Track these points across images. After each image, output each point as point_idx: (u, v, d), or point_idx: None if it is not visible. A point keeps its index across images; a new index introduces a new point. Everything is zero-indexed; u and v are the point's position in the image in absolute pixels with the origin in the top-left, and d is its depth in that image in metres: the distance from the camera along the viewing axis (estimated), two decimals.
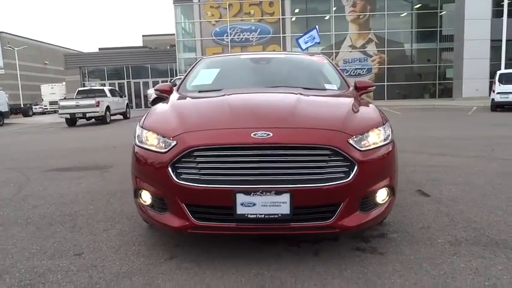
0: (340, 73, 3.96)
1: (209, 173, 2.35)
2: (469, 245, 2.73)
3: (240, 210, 2.32)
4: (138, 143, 2.69)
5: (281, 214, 2.32)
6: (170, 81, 17.50)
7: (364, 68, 30.49)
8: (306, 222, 2.39)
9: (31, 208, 4.00)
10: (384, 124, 2.66)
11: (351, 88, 3.65)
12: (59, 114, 19.39)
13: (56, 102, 20.21)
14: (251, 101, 3.04)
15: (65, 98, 22.15)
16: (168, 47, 36.70)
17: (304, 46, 20.27)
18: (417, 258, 2.53)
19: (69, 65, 36.54)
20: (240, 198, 2.31)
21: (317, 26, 20.86)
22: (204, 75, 3.98)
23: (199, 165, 2.36)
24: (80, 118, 18.81)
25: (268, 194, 2.29)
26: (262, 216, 2.32)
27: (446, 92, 29.76)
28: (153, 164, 2.50)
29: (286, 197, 2.29)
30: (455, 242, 2.79)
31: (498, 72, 17.95)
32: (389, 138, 2.65)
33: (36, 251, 2.84)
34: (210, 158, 2.36)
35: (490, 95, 18.13)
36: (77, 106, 18.62)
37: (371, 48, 30.54)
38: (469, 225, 3.10)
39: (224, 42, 30.69)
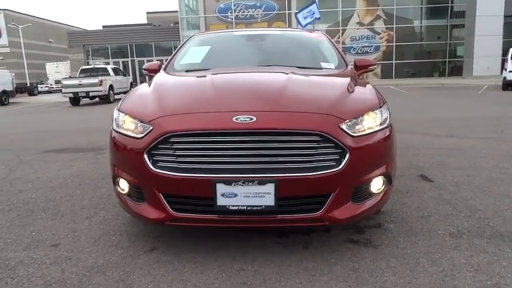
0: (338, 51, 3.70)
1: (187, 161, 2.16)
2: (472, 237, 2.53)
3: (221, 201, 2.14)
4: (115, 127, 2.49)
5: (265, 206, 2.13)
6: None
7: (372, 46, 29.77)
8: (292, 214, 2.20)
9: (16, 193, 3.86)
10: (380, 107, 2.44)
11: (349, 67, 3.40)
12: (63, 93, 19.28)
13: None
14: (237, 82, 2.81)
15: (70, 77, 21.93)
16: (171, 24, 36.07)
17: (303, 22, 19.60)
18: (414, 253, 2.34)
19: (73, 43, 36.18)
20: (221, 188, 2.12)
21: (317, 0, 20.03)
22: (193, 53, 3.74)
23: (177, 153, 2.17)
24: (83, 97, 18.68)
25: (250, 184, 2.10)
26: (245, 208, 2.14)
27: (457, 70, 29.05)
28: (128, 151, 2.31)
29: (270, 187, 2.10)
30: (457, 233, 2.59)
31: (511, 50, 17.35)
32: (387, 122, 2.42)
33: (12, 240, 2.70)
34: (187, 145, 2.16)
35: (501, 74, 17.59)
36: (80, 85, 18.47)
37: (379, 25, 29.73)
38: (473, 215, 2.90)
39: (228, 19, 30.05)
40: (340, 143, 2.13)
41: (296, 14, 20.55)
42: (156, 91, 2.63)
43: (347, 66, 3.43)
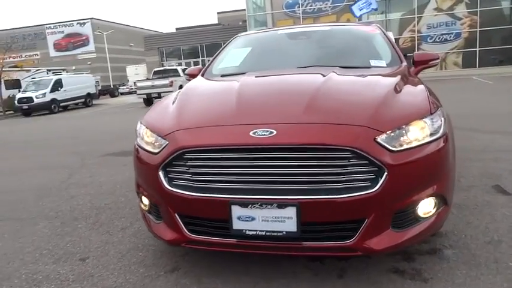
0: (393, 45, 3.26)
1: (201, 180, 1.97)
2: None
3: (237, 225, 1.91)
4: (137, 140, 2.38)
5: (286, 232, 1.87)
6: None
7: (452, 33, 27.32)
8: (319, 242, 1.91)
9: (68, 199, 3.99)
10: (432, 113, 2.03)
11: (404, 64, 2.97)
12: (137, 94, 20.41)
13: None
14: (264, 89, 2.55)
15: (147, 79, 23.20)
16: (240, 23, 36.50)
17: (358, 13, 18.30)
18: None
19: (148, 46, 38.23)
20: (236, 210, 1.90)
21: None
22: (233, 55, 3.55)
23: (191, 170, 1.99)
24: (156, 98, 19.56)
25: (269, 206, 1.85)
26: (264, 233, 1.90)
27: None
28: (146, 166, 2.17)
29: (291, 211, 1.83)
30: None
31: None
32: (440, 131, 2.02)
33: (47, 252, 2.73)
34: (201, 162, 1.97)
35: None
36: (153, 86, 19.40)
37: (460, 10, 27.21)
38: None
39: (296, 14, 29.55)
40: (375, 160, 1.79)
41: (350, 6, 19.39)
42: (181, 101, 2.47)
43: (401, 62, 3.00)
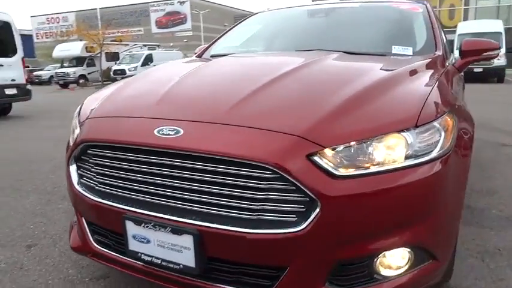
0: (433, 30, 2.50)
1: (103, 182, 1.59)
2: None
3: (133, 245, 1.51)
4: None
5: (183, 265, 1.41)
6: None
7: None
8: (225, 286, 1.41)
9: None
10: (418, 125, 1.37)
11: (438, 53, 2.24)
12: None
13: None
14: (218, 73, 2.04)
15: None
16: None
17: None
18: None
19: None
20: (131, 227, 1.49)
21: None
22: (239, 34, 3.06)
23: (94, 169, 1.61)
24: None
25: (162, 229, 1.41)
26: (159, 261, 1.46)
27: None
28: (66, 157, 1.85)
29: (188, 240, 1.37)
30: None
31: None
32: (434, 152, 1.37)
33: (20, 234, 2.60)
34: (104, 160, 1.58)
35: None
36: None
37: None
38: None
39: None
40: (302, 187, 1.24)
41: None
42: (128, 81, 2.09)
43: (436, 51, 2.27)
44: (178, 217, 1.39)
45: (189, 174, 1.37)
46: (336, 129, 1.33)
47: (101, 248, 1.69)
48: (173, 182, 1.40)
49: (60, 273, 2.06)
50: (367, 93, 1.51)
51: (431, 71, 1.86)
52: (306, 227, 1.25)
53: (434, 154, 1.38)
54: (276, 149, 1.28)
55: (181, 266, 1.41)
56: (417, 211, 1.36)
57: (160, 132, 1.43)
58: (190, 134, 1.40)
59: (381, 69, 1.82)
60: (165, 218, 1.40)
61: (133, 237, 1.49)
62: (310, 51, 2.31)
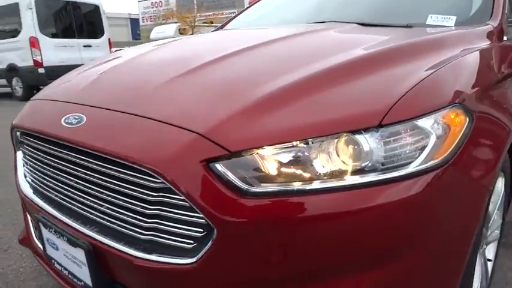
0: None
1: (30, 172, 1.41)
2: None
3: (48, 249, 1.31)
4: None
5: (84, 283, 1.17)
6: None
7: None
8: None
9: None
10: (384, 125, 0.92)
11: (493, 23, 1.64)
12: None
13: None
14: (174, 50, 1.71)
15: None
16: None
17: None
18: None
19: None
20: (44, 230, 1.29)
21: None
22: (261, 7, 2.68)
23: (26, 157, 1.44)
24: None
25: (61, 238, 1.18)
26: (67, 273, 1.24)
27: None
28: None
29: (81, 254, 1.12)
30: None
31: None
32: (415, 166, 0.93)
33: None
34: (29, 149, 1.39)
35: None
36: None
37: None
38: None
39: None
40: (194, 205, 0.90)
41: None
42: (89, 64, 1.87)
43: (490, 20, 1.67)
44: (77, 225, 1.14)
45: (88, 174, 1.11)
46: (254, 128, 0.94)
47: (39, 245, 1.53)
48: (77, 183, 1.16)
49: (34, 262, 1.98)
50: (327, 78, 1.08)
51: (456, 47, 1.31)
52: (198, 260, 0.91)
53: (411, 168, 0.93)
54: (167, 149, 0.95)
55: (82, 283, 1.17)
56: (375, 251, 0.93)
57: (66, 121, 1.18)
58: (91, 124, 1.13)
59: (374, 44, 1.34)
60: (66, 224, 1.17)
61: (47, 240, 1.29)
62: (324, 23, 1.87)
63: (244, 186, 0.89)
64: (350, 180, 0.91)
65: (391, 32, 1.55)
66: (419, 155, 0.94)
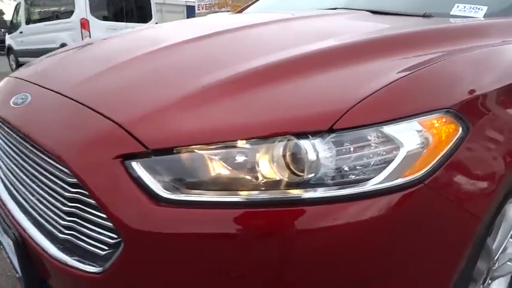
0: None
1: None
2: None
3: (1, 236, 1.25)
4: None
5: (19, 276, 1.09)
6: None
7: None
8: None
9: None
10: (334, 130, 0.74)
11: None
12: None
13: None
14: (182, 29, 1.59)
15: None
16: None
17: None
18: None
19: None
20: None
21: None
22: None
23: None
24: None
25: (0, 224, 1.11)
26: (10, 262, 1.17)
27: None
28: None
29: (9, 244, 1.04)
30: None
31: None
32: (374, 184, 0.75)
33: None
34: None
35: None
36: None
37: None
38: None
39: None
40: (101, 208, 0.77)
41: None
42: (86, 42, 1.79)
43: None
44: (16, 213, 1.06)
45: (24, 159, 1.02)
46: (183, 123, 0.79)
47: None
48: (17, 166, 1.07)
49: None
50: (286, 69, 0.90)
51: (465, 41, 1.07)
52: (104, 271, 0.79)
53: (369, 186, 0.75)
54: (79, 137, 0.83)
55: (18, 275, 1.09)
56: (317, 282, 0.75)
57: (14, 101, 1.10)
58: (33, 105, 1.04)
59: (362, 33, 1.13)
60: (7, 210, 1.09)
61: None
62: (336, 9, 1.67)
63: (160, 191, 0.75)
64: (289, 194, 0.74)
65: (399, 21, 1.33)
66: (382, 171, 0.75)
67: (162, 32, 1.66)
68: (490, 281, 1.22)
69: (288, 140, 0.75)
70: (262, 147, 0.76)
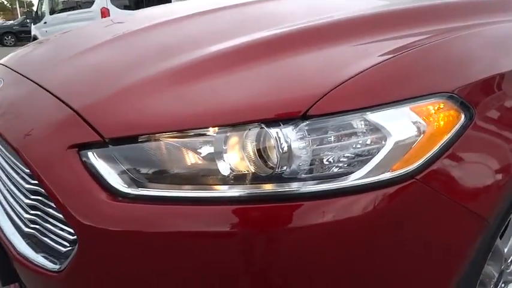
0: None
1: None
2: None
3: None
4: None
5: None
6: None
7: None
8: None
9: None
10: (308, 116, 0.65)
11: None
12: None
13: None
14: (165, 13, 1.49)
15: None
16: None
17: None
18: None
19: None
20: None
21: None
22: None
23: None
24: None
25: None
26: None
27: None
28: None
29: None
30: None
31: None
32: (355, 178, 0.66)
33: None
34: None
35: None
36: None
37: None
38: None
39: None
40: (55, 202, 0.71)
41: None
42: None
43: None
44: None
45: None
46: (143, 111, 0.72)
47: None
48: None
49: None
50: (261, 49, 0.81)
51: (471, 17, 0.94)
52: (62, 269, 0.73)
53: (350, 181, 0.66)
54: (34, 124, 0.77)
55: None
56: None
57: None
58: (3, 90, 0.98)
59: (355, 9, 1.01)
60: None
61: None
62: None
63: (118, 185, 0.68)
64: (259, 189, 0.66)
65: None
66: (365, 164, 0.66)
67: (131, 19, 1.60)
68: (503, 285, 1.11)
69: (260, 128, 0.66)
70: (231, 136, 0.67)
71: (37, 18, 11.76)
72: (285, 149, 0.65)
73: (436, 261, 0.76)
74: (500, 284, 1.07)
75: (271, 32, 0.86)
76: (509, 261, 1.06)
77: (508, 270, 1.09)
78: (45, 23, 10.86)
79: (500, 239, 0.97)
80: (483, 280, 0.96)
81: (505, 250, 1.00)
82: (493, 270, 0.98)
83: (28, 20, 15.47)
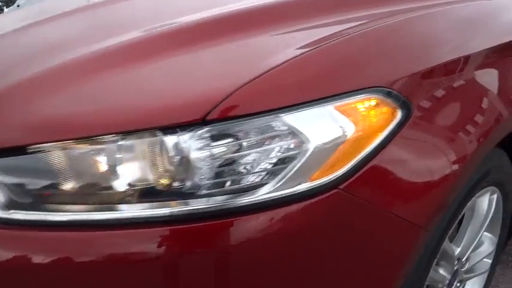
0: None
1: None
2: None
3: None
4: None
5: None
6: None
7: None
8: None
9: None
10: (213, 121, 0.55)
11: None
12: None
13: None
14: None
15: None
16: None
17: None
18: None
19: None
20: None
21: None
22: None
23: None
24: None
25: None
26: None
27: None
28: None
29: None
30: None
31: None
32: (266, 192, 0.57)
33: None
34: None
35: None
36: None
37: None
38: None
39: None
40: None
41: None
42: None
43: None
44: None
45: None
46: (25, 115, 0.61)
47: None
48: None
49: None
50: (152, 47, 0.70)
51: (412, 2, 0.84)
52: None
53: (259, 196, 0.57)
54: None
55: None
56: None
57: None
58: None
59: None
60: None
61: None
62: None
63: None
64: (152, 211, 0.56)
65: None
66: (278, 174, 0.57)
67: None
68: (458, 284, 1.05)
69: (154, 136, 0.56)
70: (123, 145, 0.57)
71: (10, 0, 11.32)
72: (183, 159, 0.55)
73: (373, 272, 0.68)
74: (455, 283, 1.02)
75: (172, 24, 0.75)
76: (463, 259, 1.00)
77: (463, 269, 1.03)
78: (18, 6, 10.46)
79: (451, 241, 0.90)
80: (431, 284, 0.90)
81: (458, 250, 0.93)
82: (444, 272, 0.92)
83: (1, 3, 14.90)
